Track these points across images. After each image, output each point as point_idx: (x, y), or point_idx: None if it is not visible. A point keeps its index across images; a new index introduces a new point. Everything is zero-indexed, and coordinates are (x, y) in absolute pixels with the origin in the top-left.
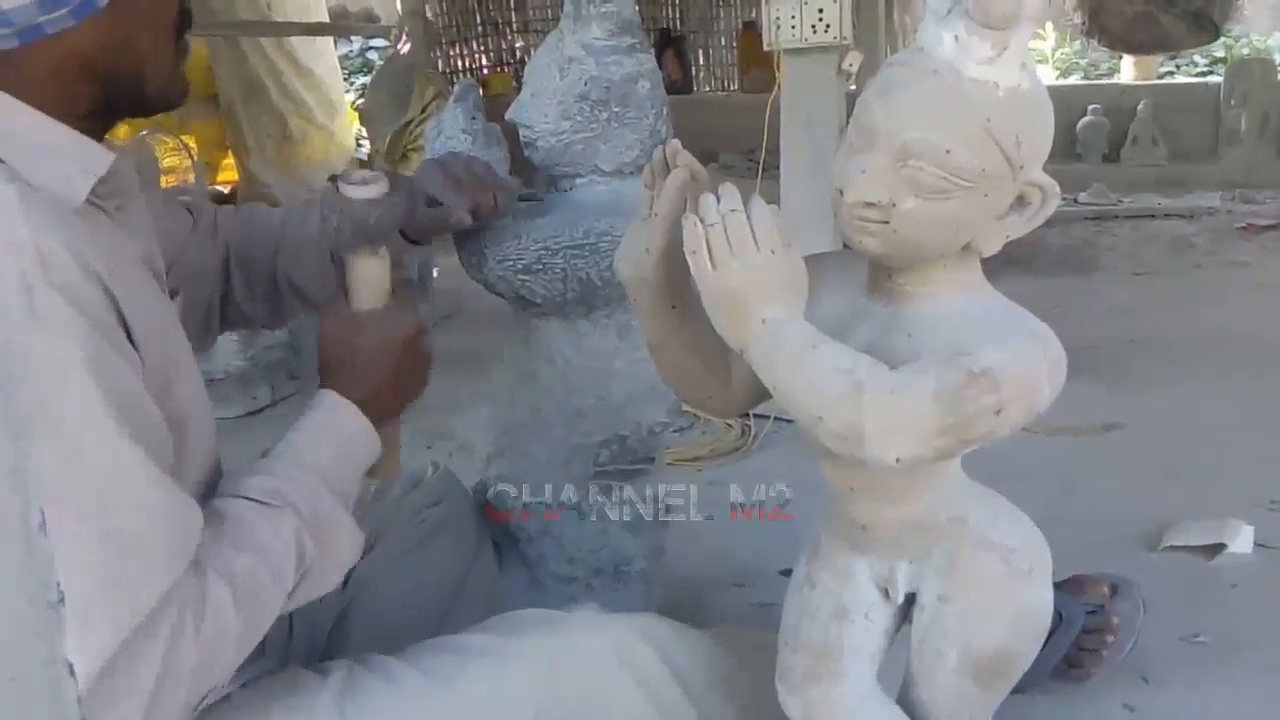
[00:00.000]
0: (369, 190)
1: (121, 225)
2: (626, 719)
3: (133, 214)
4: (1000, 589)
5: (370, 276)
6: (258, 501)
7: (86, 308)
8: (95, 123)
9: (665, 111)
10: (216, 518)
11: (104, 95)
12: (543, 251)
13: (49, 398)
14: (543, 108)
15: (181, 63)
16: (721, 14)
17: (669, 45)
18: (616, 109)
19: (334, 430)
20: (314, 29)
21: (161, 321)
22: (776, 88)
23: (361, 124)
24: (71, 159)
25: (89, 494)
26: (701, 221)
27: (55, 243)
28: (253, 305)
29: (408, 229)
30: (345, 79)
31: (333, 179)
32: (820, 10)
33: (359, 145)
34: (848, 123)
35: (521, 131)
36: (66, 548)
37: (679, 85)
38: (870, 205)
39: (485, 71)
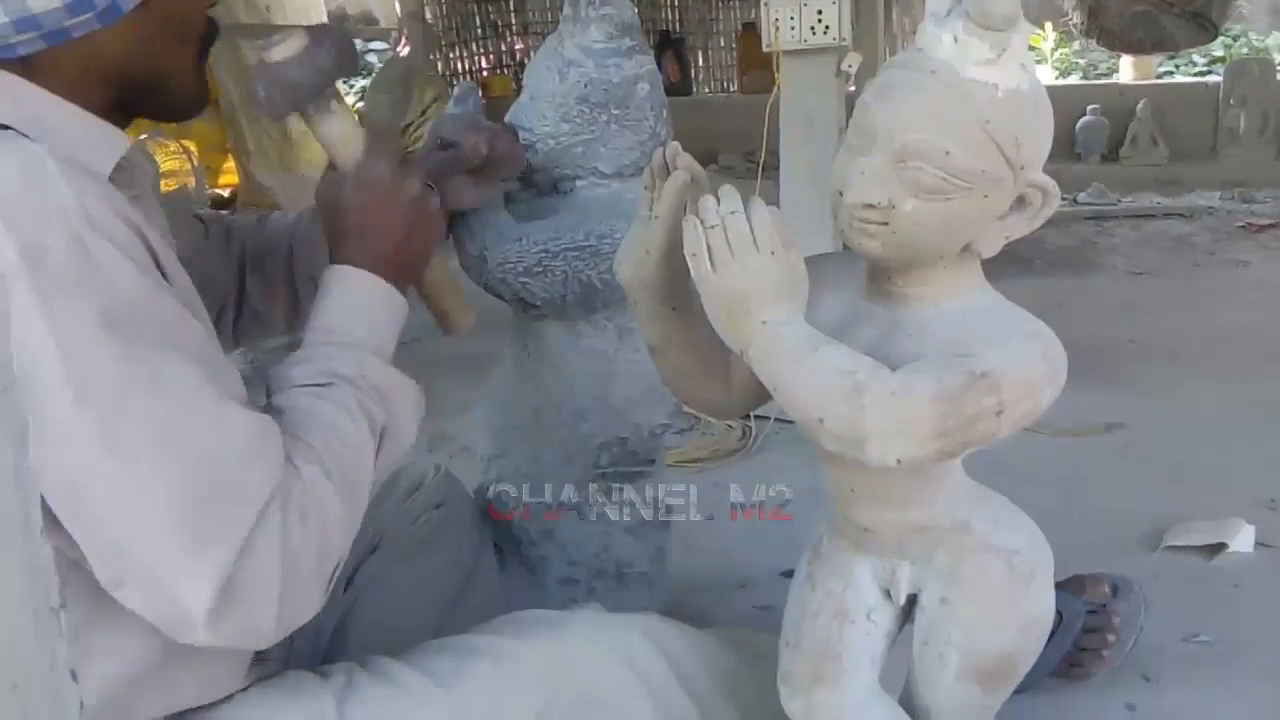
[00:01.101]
0: (288, 48)
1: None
2: (630, 715)
3: (147, 206)
4: (1002, 592)
5: (337, 133)
6: (311, 385)
7: (134, 256)
8: (113, 118)
9: (665, 113)
10: (280, 415)
11: (123, 97)
12: (543, 254)
13: (107, 344)
14: (542, 110)
15: (202, 74)
16: (721, 16)
17: (668, 47)
18: (616, 111)
19: (357, 301)
20: None
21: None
22: (776, 89)
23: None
24: (95, 139)
25: (164, 428)
26: (702, 223)
27: (96, 199)
28: (270, 307)
29: (345, 73)
30: (345, 82)
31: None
32: (819, 12)
33: None
34: (847, 124)
35: (521, 134)
36: (151, 487)
37: (678, 87)
38: (870, 207)
39: (485, 74)
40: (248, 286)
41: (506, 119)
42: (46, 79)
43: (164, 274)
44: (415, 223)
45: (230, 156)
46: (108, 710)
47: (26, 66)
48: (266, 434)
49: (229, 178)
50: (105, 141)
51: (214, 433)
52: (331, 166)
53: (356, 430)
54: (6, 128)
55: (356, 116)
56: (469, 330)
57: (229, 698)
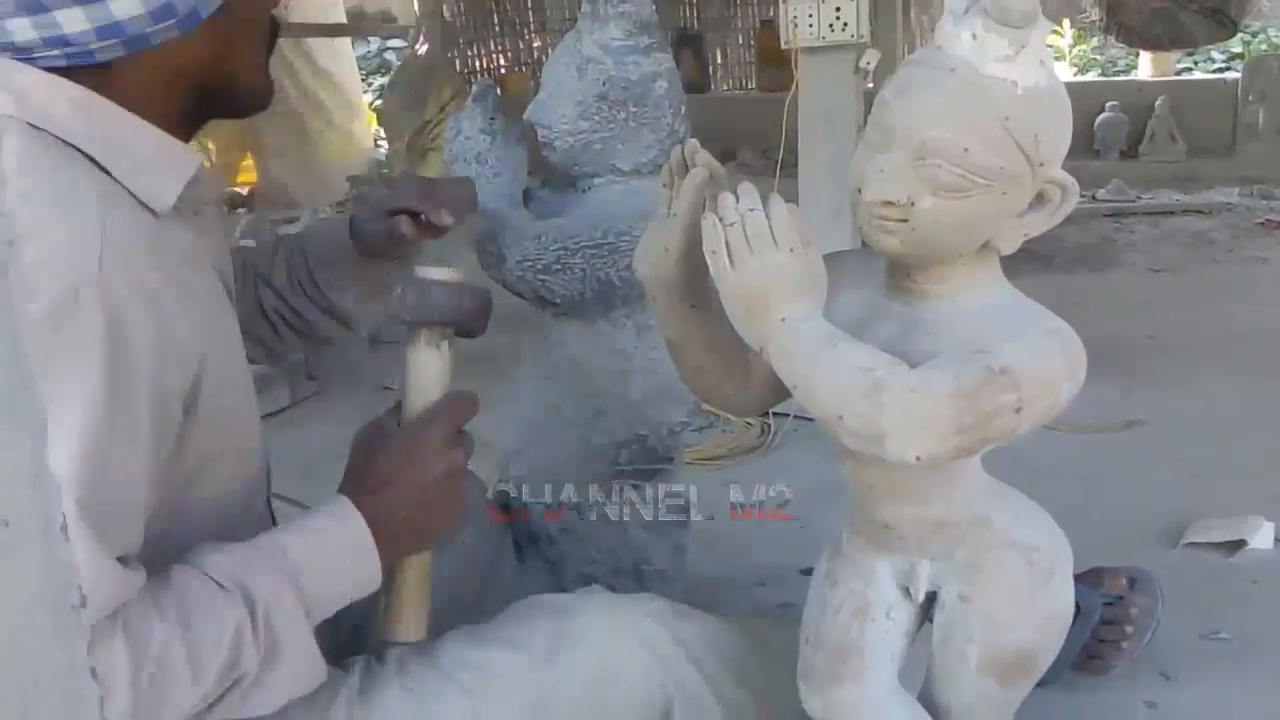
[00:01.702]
0: (444, 274)
1: (199, 232)
2: (644, 695)
3: (209, 219)
4: (1022, 588)
5: (428, 370)
6: (215, 582)
7: (123, 329)
8: (185, 125)
9: (683, 110)
10: (161, 582)
11: (197, 103)
12: (562, 251)
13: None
14: (561, 108)
15: (268, 69)
16: (739, 13)
17: (686, 44)
18: (634, 109)
19: (327, 539)
20: (332, 30)
21: (222, 325)
22: (794, 86)
23: (379, 124)
24: (165, 165)
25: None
26: (720, 221)
27: (117, 252)
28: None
29: (472, 329)
30: (363, 80)
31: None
32: (838, 9)
33: (377, 146)
34: (865, 121)
35: (539, 131)
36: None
37: (696, 84)
38: (889, 204)
39: (503, 71)
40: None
41: (525, 116)
42: (121, 88)
43: (173, 328)
44: (440, 500)
45: (249, 154)
46: None
47: (103, 74)
48: (109, 576)
49: (247, 175)
50: (174, 163)
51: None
52: (390, 414)
53: (211, 655)
54: (81, 153)
55: (446, 363)
56: (406, 639)
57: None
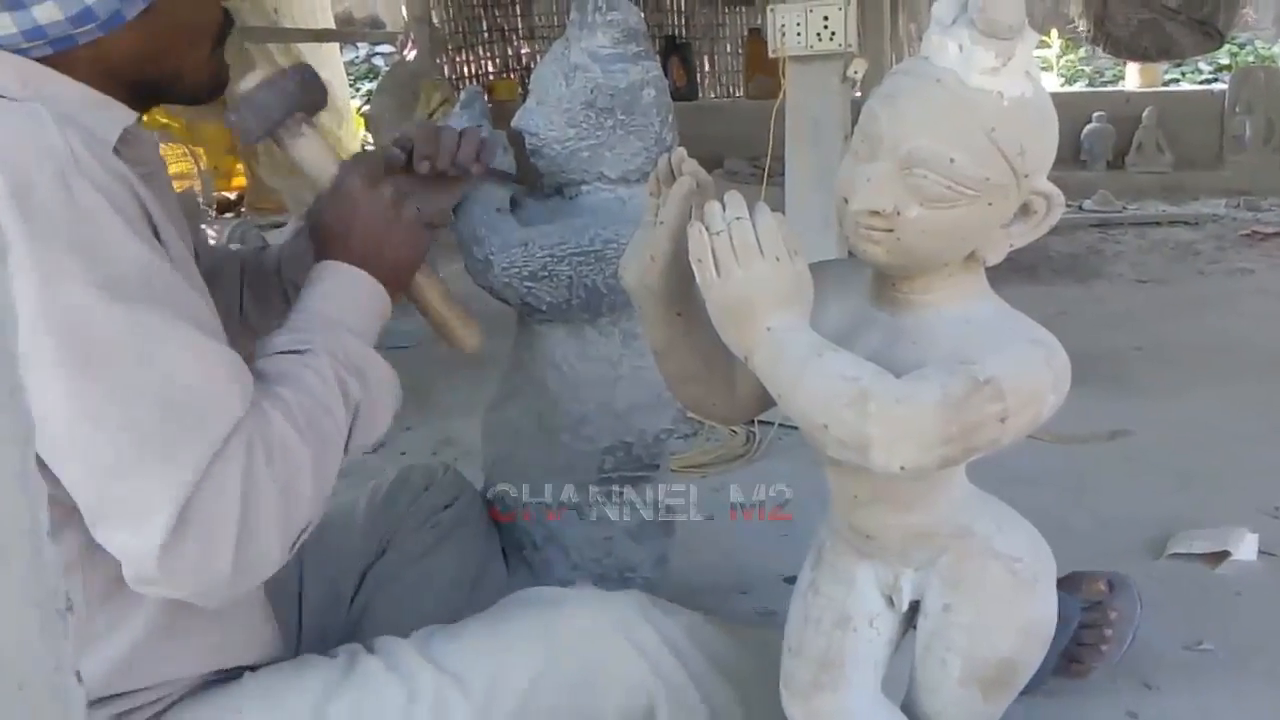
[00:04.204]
0: (255, 77)
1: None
2: (628, 689)
3: (160, 189)
4: (1005, 598)
5: (309, 155)
6: (289, 352)
7: (119, 205)
8: (132, 107)
9: (670, 118)
10: (257, 374)
11: (142, 91)
12: (548, 259)
13: (79, 276)
14: (548, 115)
15: (217, 62)
16: (727, 21)
17: (674, 52)
18: (622, 116)
19: (340, 288)
20: (321, 36)
21: (187, 260)
22: (782, 95)
23: (367, 130)
24: (100, 110)
25: (129, 343)
26: (707, 229)
27: (89, 151)
28: (264, 321)
29: (312, 103)
30: (351, 85)
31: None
32: (825, 18)
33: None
34: (853, 130)
35: (527, 139)
36: (109, 412)
37: (684, 92)
38: (875, 213)
39: (491, 78)
40: (245, 306)
41: (513, 124)
42: (62, 72)
43: (160, 239)
44: (392, 227)
45: (239, 159)
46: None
47: (41, 64)
48: (235, 371)
49: (239, 180)
50: (110, 112)
51: (179, 360)
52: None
53: (329, 394)
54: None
55: (319, 138)
56: (475, 349)
57: (238, 680)
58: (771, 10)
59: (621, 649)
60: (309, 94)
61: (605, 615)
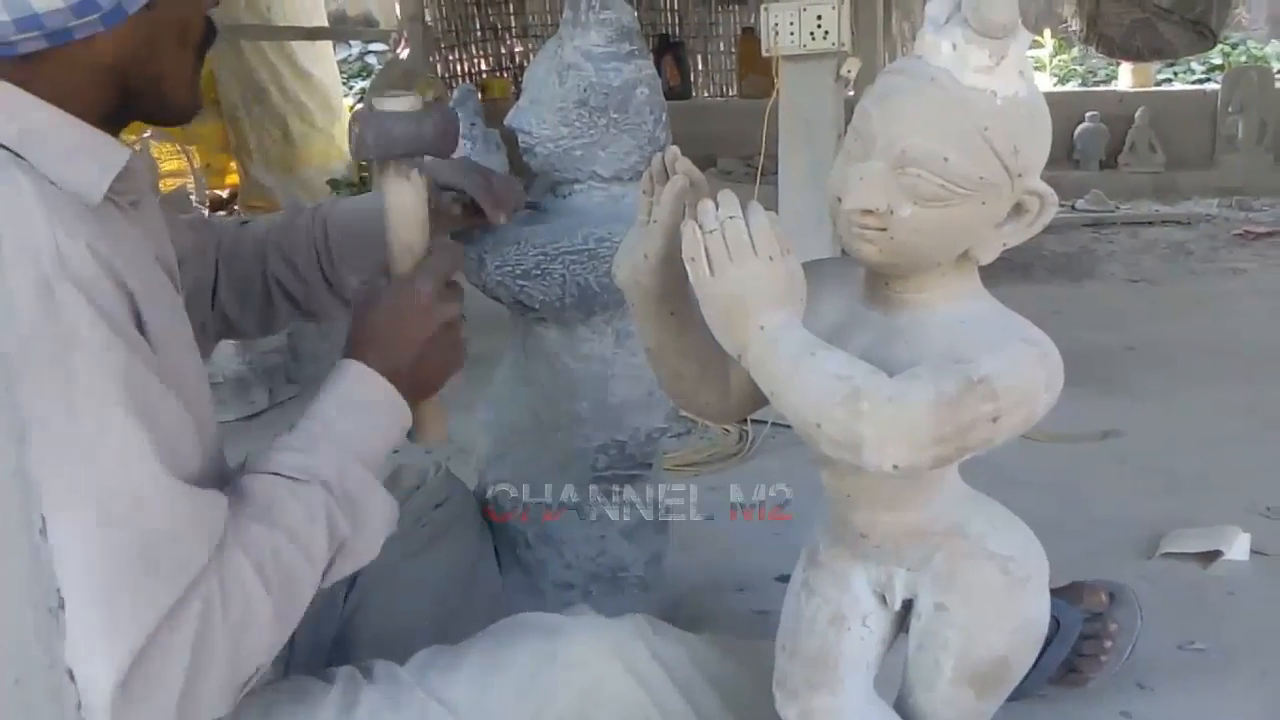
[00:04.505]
0: (400, 104)
1: (137, 223)
2: (628, 718)
3: (147, 212)
4: (998, 598)
5: (402, 203)
6: (286, 478)
7: (103, 305)
8: (109, 126)
9: (664, 117)
10: (244, 496)
11: (122, 101)
12: (541, 257)
13: (60, 396)
14: (542, 114)
15: (198, 78)
16: (720, 20)
17: (668, 51)
18: (615, 115)
19: (360, 401)
20: (314, 33)
21: (174, 323)
22: (775, 94)
23: None
24: (91, 155)
25: (99, 492)
26: (700, 228)
27: (74, 240)
28: (242, 315)
29: (442, 150)
30: (344, 83)
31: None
32: (819, 17)
33: None
34: (846, 129)
35: (520, 137)
36: (74, 549)
37: (678, 91)
38: (868, 212)
39: (484, 76)
40: (220, 295)
41: (506, 122)
42: (45, 81)
43: (141, 321)
44: (441, 348)
45: (232, 157)
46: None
47: (26, 67)
48: (203, 515)
49: (232, 178)
50: (100, 156)
51: (147, 504)
52: (379, 272)
53: (313, 535)
54: (3, 147)
55: (419, 191)
56: (438, 443)
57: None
58: (765, 9)
59: (621, 680)
60: (441, 142)
61: (604, 643)
